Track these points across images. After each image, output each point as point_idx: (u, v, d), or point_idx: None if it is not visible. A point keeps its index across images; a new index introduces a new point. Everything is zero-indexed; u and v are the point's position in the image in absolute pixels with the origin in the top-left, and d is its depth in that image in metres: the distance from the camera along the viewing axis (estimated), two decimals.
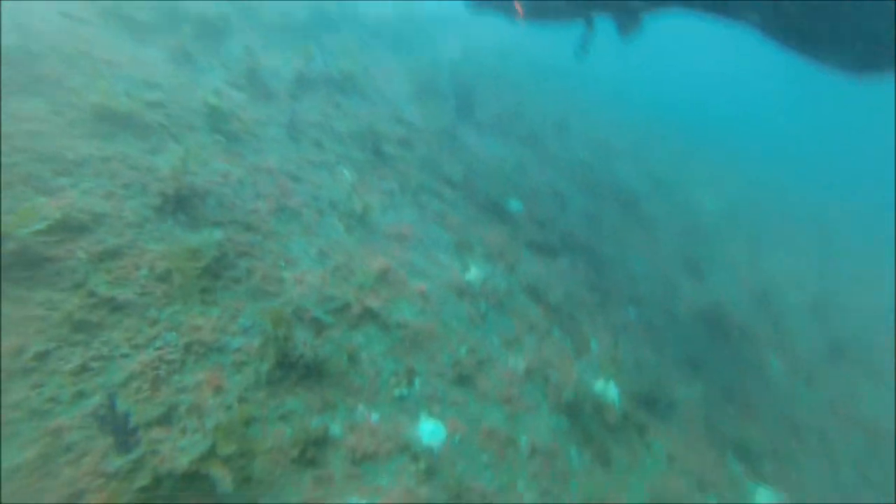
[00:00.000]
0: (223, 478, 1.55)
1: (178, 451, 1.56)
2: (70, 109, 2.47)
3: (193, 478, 1.52)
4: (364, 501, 1.75)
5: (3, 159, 2.00)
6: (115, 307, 1.82)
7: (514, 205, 4.41)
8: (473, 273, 3.19)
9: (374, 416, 2.05)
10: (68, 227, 1.95)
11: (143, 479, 1.46)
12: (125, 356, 1.74)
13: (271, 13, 5.06)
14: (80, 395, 1.59)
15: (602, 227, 5.01)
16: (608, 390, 2.79)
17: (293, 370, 2.00)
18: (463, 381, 2.43)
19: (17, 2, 3.11)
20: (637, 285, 4.29)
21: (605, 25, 3.74)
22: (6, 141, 2.09)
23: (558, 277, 3.74)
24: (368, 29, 6.78)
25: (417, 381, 2.29)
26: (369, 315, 2.43)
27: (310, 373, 2.04)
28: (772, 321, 4.96)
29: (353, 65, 5.00)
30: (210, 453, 1.59)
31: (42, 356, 1.61)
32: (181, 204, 2.34)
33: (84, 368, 1.65)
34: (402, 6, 9.05)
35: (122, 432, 1.51)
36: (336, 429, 1.91)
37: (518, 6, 3.98)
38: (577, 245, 4.31)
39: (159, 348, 1.81)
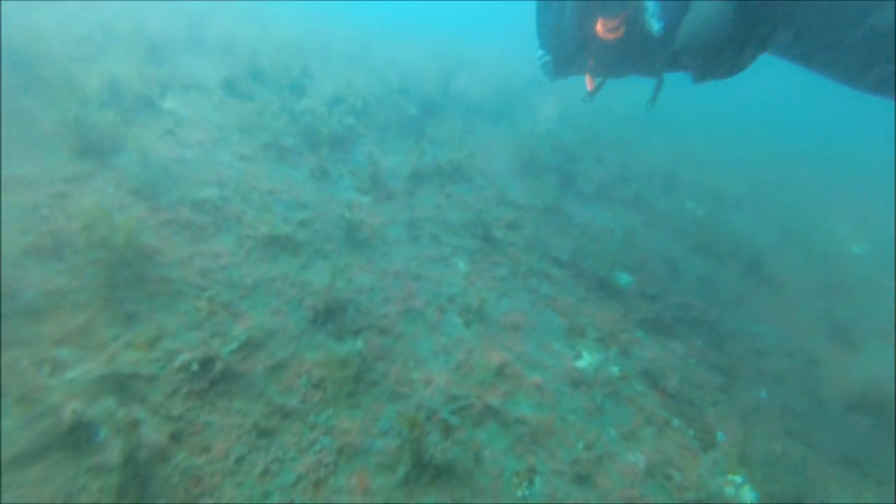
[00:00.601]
0: None
1: None
2: (248, 240, 3.12)
3: None
4: None
5: (207, 293, 2.61)
6: (285, 414, 2.25)
7: (624, 279, 4.41)
8: (586, 360, 3.26)
9: None
10: (251, 345, 2.46)
11: None
12: (293, 459, 2.13)
13: (387, 114, 5.79)
14: (266, 494, 1.99)
15: (721, 294, 4.75)
16: (743, 494, 2.64)
17: (426, 470, 2.26)
18: (582, 480, 2.50)
19: (211, 158, 4.00)
20: (767, 361, 3.97)
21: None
22: (209, 276, 2.73)
23: (675, 358, 3.63)
24: (471, 108, 7.34)
25: (538, 481, 2.42)
26: (490, 412, 2.64)
27: (440, 473, 2.28)
28: None
29: (459, 151, 5.48)
30: None
31: (240, 459, 2.05)
32: (329, 315, 2.80)
33: (267, 471, 2.06)
34: (499, 75, 9.66)
35: None
36: None
37: (589, 81, 3.98)
38: (692, 318, 4.15)
39: (318, 451, 2.19)
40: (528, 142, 6.33)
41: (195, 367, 2.24)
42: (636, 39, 3.26)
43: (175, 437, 2.04)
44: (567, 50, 3.69)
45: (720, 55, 2.91)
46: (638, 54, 3.37)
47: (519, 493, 2.34)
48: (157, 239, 2.88)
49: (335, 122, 4.84)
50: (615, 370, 3.28)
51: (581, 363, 3.20)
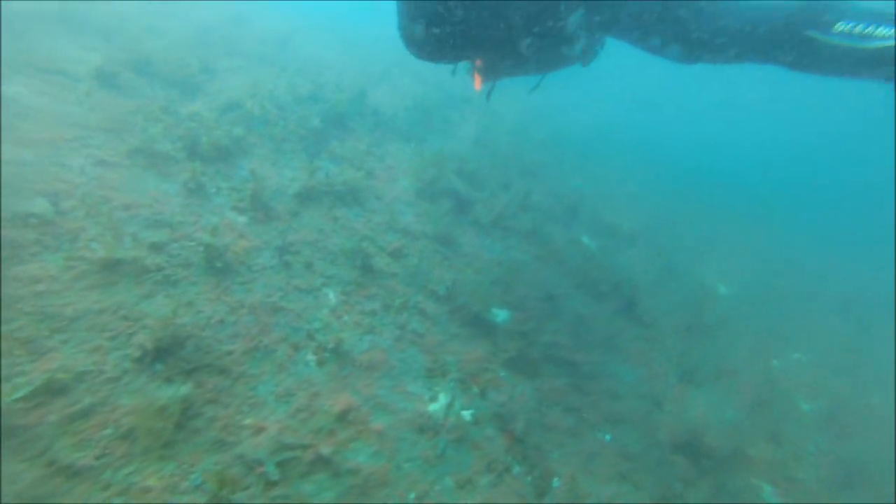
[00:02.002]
0: None
1: None
2: (80, 262, 2.86)
3: None
4: None
5: (5, 326, 2.35)
6: (72, 474, 2.07)
7: (501, 315, 4.54)
8: (440, 403, 3.31)
9: None
10: (49, 390, 2.24)
11: None
12: None
13: (287, 124, 5.58)
14: None
15: (594, 333, 5.03)
16: None
17: None
18: None
19: (56, 162, 3.63)
20: (620, 402, 4.26)
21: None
22: (14, 306, 2.46)
23: (531, 400, 3.79)
24: (383, 122, 7.27)
25: None
26: (321, 462, 2.59)
27: None
28: (772, 440, 4.75)
29: (357, 171, 5.40)
30: None
31: None
32: (161, 353, 2.62)
33: None
34: (423, 86, 9.67)
35: None
36: None
37: (477, 78, 4.15)
38: (559, 358, 4.36)
39: None
40: (433, 163, 6.37)
41: None
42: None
43: None
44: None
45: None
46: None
47: None
48: None
49: (222, 131, 4.58)
50: (468, 414, 3.36)
51: (434, 406, 3.25)
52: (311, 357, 3.09)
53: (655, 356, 5.24)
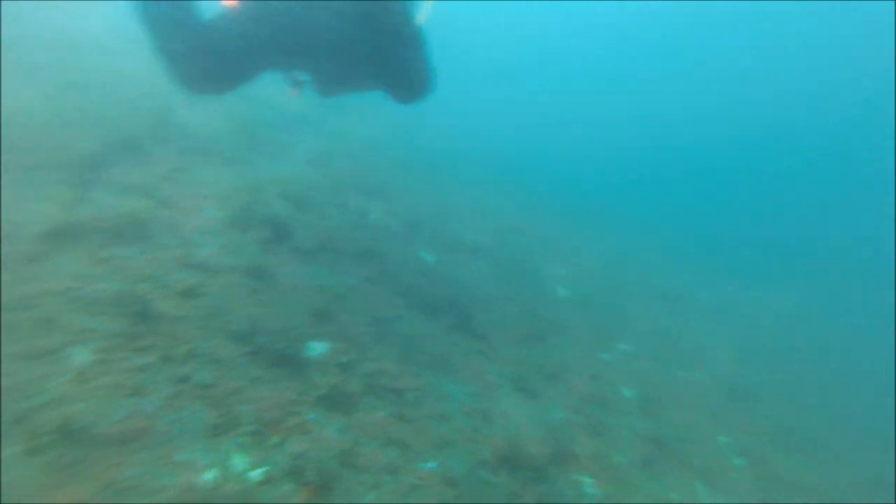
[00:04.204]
0: None
1: None
2: None
3: None
4: None
5: None
6: None
7: (317, 348, 4.16)
8: (221, 468, 2.82)
9: None
10: None
11: None
12: None
13: (50, 145, 4.65)
14: None
15: (425, 354, 4.90)
16: None
17: None
18: None
19: None
20: (448, 424, 4.13)
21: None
22: None
23: (344, 441, 3.47)
24: (196, 143, 6.51)
25: None
26: None
27: None
28: (595, 432, 5.03)
29: (147, 200, 4.67)
30: None
31: None
32: None
33: None
34: (254, 104, 8.99)
35: None
36: None
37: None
38: (382, 387, 4.11)
39: None
40: (249, 188, 5.82)
41: None
42: None
43: None
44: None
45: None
46: None
47: None
48: None
49: None
50: (258, 473, 2.92)
51: (208, 475, 2.75)
52: (17, 448, 2.40)
53: (490, 369, 5.28)
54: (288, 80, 4.43)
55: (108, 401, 2.84)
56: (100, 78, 6.75)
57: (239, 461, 2.92)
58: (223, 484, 2.73)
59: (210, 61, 3.43)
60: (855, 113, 35.10)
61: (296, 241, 5.48)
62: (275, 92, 10.06)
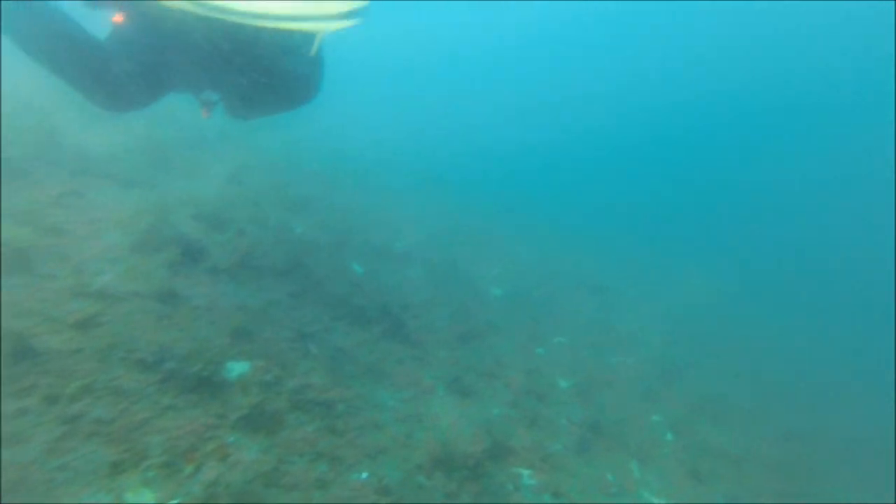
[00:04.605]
0: None
1: None
2: None
3: None
4: None
5: None
6: None
7: (237, 369, 3.94)
8: None
9: None
10: None
11: None
12: None
13: None
14: None
15: (356, 365, 4.78)
16: None
17: None
18: None
19: None
20: (381, 433, 4.03)
21: None
22: None
23: (272, 459, 3.29)
24: (91, 167, 6.04)
25: None
26: None
27: None
28: (532, 424, 5.11)
29: (27, 228, 4.26)
30: None
31: None
32: None
33: None
34: (157, 120, 8.50)
35: None
36: None
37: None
38: (309, 402, 3.95)
39: None
40: (157, 209, 5.46)
41: None
42: None
43: None
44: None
45: None
46: None
47: None
48: None
49: None
50: None
51: None
52: None
53: (425, 373, 5.23)
54: (198, 100, 4.25)
55: None
56: None
57: (145, 497, 2.69)
58: None
59: (111, 80, 3.22)
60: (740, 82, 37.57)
61: (211, 261, 5.19)
62: (190, 110, 9.61)
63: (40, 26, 3.05)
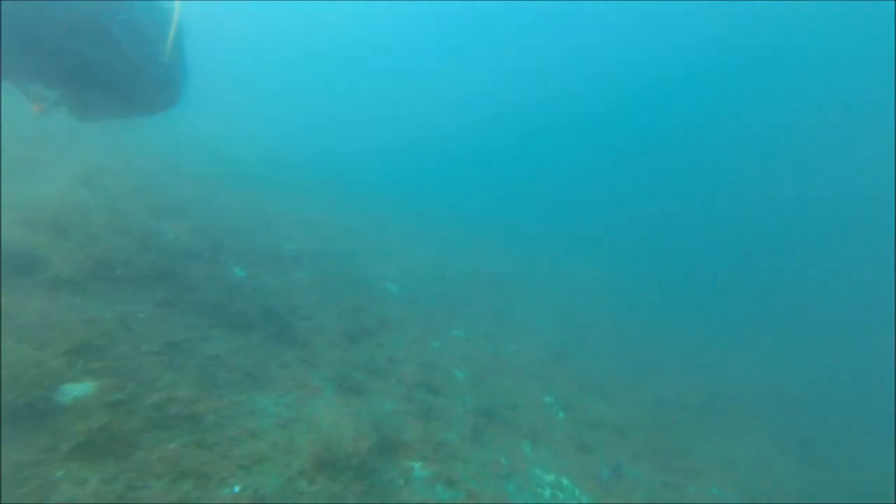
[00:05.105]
0: None
1: None
2: None
3: None
4: None
5: None
6: None
7: (74, 391, 3.42)
8: None
9: None
10: None
11: None
12: None
13: None
14: None
15: (233, 372, 4.40)
16: None
17: None
18: None
19: None
20: (258, 441, 3.74)
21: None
22: None
23: (115, 489, 2.88)
24: None
25: None
26: None
27: None
28: (426, 416, 5.08)
29: None
30: None
31: None
32: None
33: None
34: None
35: None
36: None
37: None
38: (174, 416, 3.55)
39: None
40: None
41: None
42: None
43: None
44: None
45: None
46: None
47: None
48: None
49: None
50: None
51: None
52: None
53: (312, 374, 4.98)
54: (24, 94, 3.81)
55: None
56: None
57: None
58: None
59: None
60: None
61: (50, 272, 4.50)
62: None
63: None
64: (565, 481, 5.13)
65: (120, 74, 3.53)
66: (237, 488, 3.29)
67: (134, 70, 3.55)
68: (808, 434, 9.02)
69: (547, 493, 4.83)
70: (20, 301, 3.97)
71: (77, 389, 3.41)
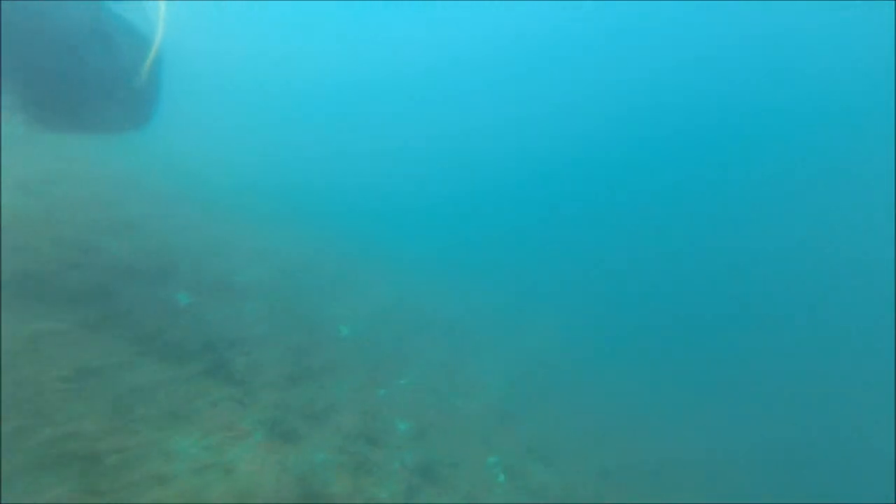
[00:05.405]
0: None
1: None
2: None
3: None
4: None
5: None
6: None
7: None
8: None
9: None
10: None
11: None
12: None
13: None
14: None
15: (154, 407, 4.06)
16: None
17: None
18: None
19: None
20: (168, 487, 3.40)
21: None
22: None
23: None
24: None
25: None
26: None
27: None
28: (361, 470, 4.79)
29: None
30: None
31: None
32: None
33: None
34: None
35: None
36: None
37: None
38: (70, 455, 3.20)
39: None
40: None
41: None
42: None
43: None
44: None
45: None
46: None
47: None
48: None
49: None
50: None
51: None
52: None
53: (243, 416, 4.65)
54: None
55: None
56: None
57: None
58: None
59: None
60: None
61: None
62: None
63: None
64: None
65: (87, 90, 3.48)
66: None
67: (103, 90, 3.51)
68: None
69: None
70: None
71: None
